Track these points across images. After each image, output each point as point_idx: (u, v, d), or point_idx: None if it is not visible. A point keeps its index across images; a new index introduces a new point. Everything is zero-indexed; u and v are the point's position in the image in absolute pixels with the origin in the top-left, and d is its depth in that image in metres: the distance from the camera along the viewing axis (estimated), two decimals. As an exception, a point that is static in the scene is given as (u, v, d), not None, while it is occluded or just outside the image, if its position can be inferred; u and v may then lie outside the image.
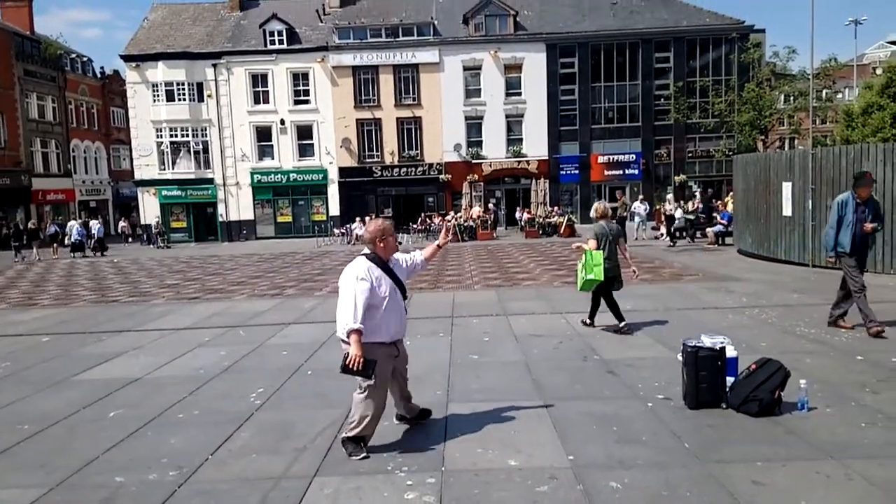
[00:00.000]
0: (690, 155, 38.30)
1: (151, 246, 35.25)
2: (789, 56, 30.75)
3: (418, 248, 5.62)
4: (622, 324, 8.83)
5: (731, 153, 31.01)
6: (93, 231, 32.18)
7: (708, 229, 22.38)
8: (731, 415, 5.40)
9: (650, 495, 4.09)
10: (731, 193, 21.55)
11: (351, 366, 4.61)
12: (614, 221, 9.64)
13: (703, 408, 5.53)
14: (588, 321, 9.25)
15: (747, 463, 4.49)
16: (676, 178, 37.94)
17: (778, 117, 33.15)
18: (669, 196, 24.36)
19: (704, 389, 5.55)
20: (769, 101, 31.13)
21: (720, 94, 33.66)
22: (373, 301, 4.72)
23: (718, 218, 22.51)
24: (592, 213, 9.57)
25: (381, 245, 4.91)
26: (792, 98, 32.51)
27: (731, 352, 5.71)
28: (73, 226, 32.10)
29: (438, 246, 5.46)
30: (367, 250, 4.96)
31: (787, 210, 15.11)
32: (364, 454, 4.89)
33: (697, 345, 5.63)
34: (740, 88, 32.79)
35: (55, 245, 30.46)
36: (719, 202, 27.08)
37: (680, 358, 5.81)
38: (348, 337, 4.64)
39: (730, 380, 5.61)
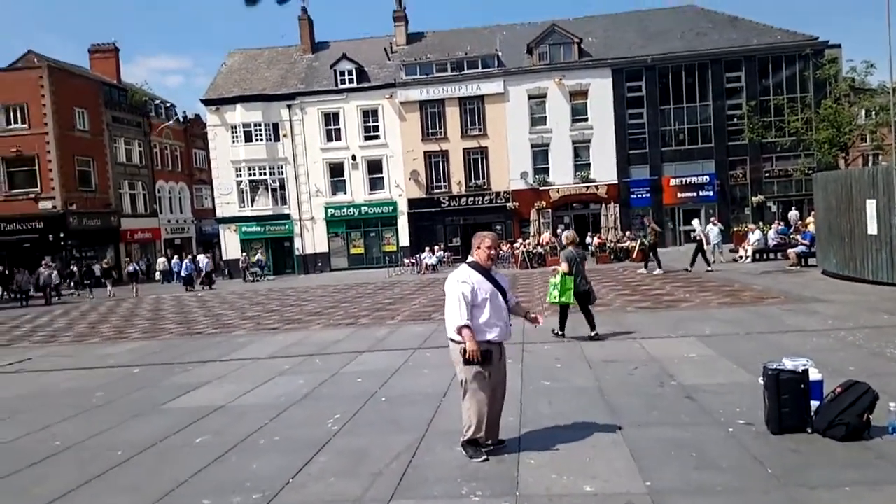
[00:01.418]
0: (767, 175, 37.10)
1: (245, 280, 36.12)
2: (867, 70, 29.50)
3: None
4: (594, 332, 10.33)
5: (810, 171, 29.90)
6: (201, 266, 33.51)
7: (790, 250, 21.56)
8: (816, 439, 5.20)
9: (731, 521, 3.99)
10: (813, 213, 20.72)
11: (472, 359, 5.08)
12: (581, 248, 11.48)
13: (786, 433, 5.35)
14: (560, 332, 10.62)
15: (833, 488, 4.32)
16: (754, 198, 36.80)
17: (859, 133, 31.77)
18: (695, 221, 23.10)
19: (787, 413, 5.37)
20: (848, 118, 29.88)
21: (796, 112, 32.57)
22: (474, 302, 5.16)
23: (799, 238, 21.67)
24: (563, 241, 10.97)
25: (478, 251, 5.38)
26: (874, 113, 31.13)
27: (814, 374, 5.51)
28: (171, 261, 33.85)
29: (526, 316, 5.75)
30: (469, 258, 5.47)
31: (872, 228, 14.45)
32: (484, 457, 5.26)
33: (779, 367, 5.47)
34: (817, 105, 31.65)
35: (134, 283, 31.07)
36: (799, 222, 26.11)
37: (761, 381, 5.63)
38: (459, 334, 5.10)
39: (814, 404, 5.41)
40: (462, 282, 5.19)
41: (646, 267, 21.97)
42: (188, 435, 6.74)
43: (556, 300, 10.14)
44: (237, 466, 5.64)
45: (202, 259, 34.57)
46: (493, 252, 5.39)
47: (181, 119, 51.98)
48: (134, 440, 6.63)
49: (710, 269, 20.84)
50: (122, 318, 20.33)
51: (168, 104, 51.82)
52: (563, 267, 10.10)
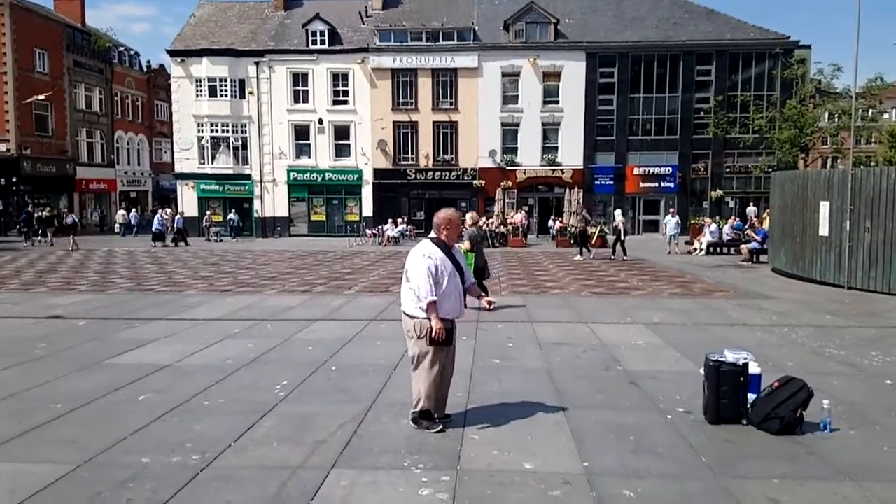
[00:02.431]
0: (728, 170, 37.75)
1: (208, 239, 35.13)
2: (834, 74, 30.16)
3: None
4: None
5: (770, 170, 30.55)
6: (169, 222, 32.55)
7: (743, 246, 22.08)
8: (751, 431, 5.37)
9: (663, 506, 4.11)
10: (768, 211, 21.22)
11: (437, 338, 5.14)
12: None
13: (723, 423, 5.50)
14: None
15: (764, 480, 4.47)
16: (713, 192, 37.46)
17: (820, 135, 32.51)
18: (617, 211, 24.41)
19: (725, 405, 5.52)
20: (811, 119, 30.54)
21: (761, 110, 33.12)
22: (436, 279, 5.19)
23: (753, 234, 22.20)
24: (468, 221, 11.93)
25: (445, 232, 5.39)
26: (836, 117, 31.86)
27: (754, 368, 5.66)
28: (130, 213, 32.41)
29: (479, 296, 5.97)
30: (432, 234, 5.42)
31: (823, 230, 14.85)
32: (440, 427, 5.35)
33: (720, 359, 5.61)
34: (782, 105, 32.27)
35: (72, 235, 28.46)
36: (755, 218, 26.70)
37: (702, 372, 5.78)
38: (427, 309, 5.13)
39: (752, 396, 5.57)
40: (428, 257, 5.22)
41: (589, 252, 23.09)
42: (131, 392, 6.64)
43: None
44: (179, 426, 5.58)
45: (168, 212, 33.89)
46: (459, 231, 5.50)
47: (145, 69, 50.49)
48: (75, 394, 6.51)
49: (626, 258, 21.79)
50: (71, 269, 19.84)
51: (132, 52, 50.23)
52: (466, 244, 11.15)
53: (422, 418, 5.41)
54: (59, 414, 5.91)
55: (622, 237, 22.30)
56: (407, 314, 5.32)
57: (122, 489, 4.37)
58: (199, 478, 4.54)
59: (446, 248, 5.35)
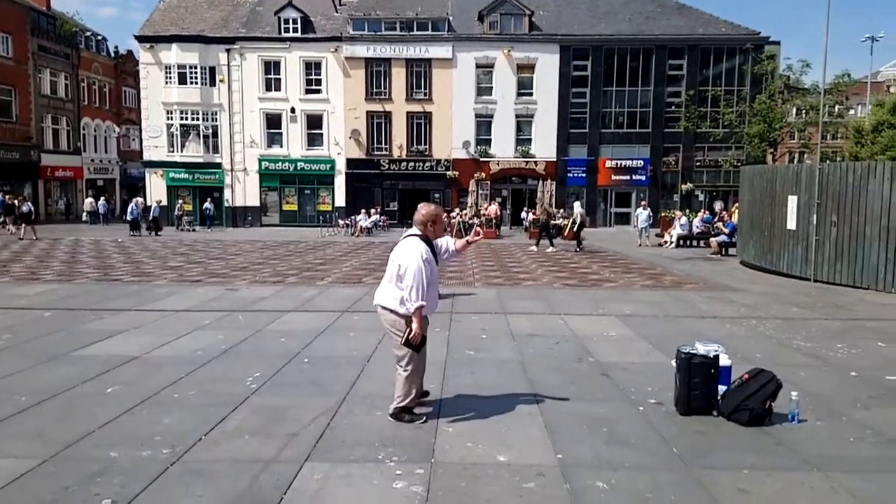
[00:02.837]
0: (699, 164, 38.22)
1: (179, 229, 34.57)
2: (803, 70, 30.68)
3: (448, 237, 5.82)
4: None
5: (739, 164, 30.96)
6: (141, 210, 32.06)
7: (712, 239, 22.40)
8: (721, 423, 5.44)
9: (635, 497, 4.14)
10: (737, 204, 21.54)
11: (413, 342, 5.12)
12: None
13: (694, 414, 5.57)
14: None
15: (734, 470, 4.54)
16: (683, 186, 37.90)
17: (788, 131, 33.05)
18: (577, 203, 24.86)
19: (696, 396, 5.58)
20: (780, 114, 31.03)
21: (731, 105, 33.57)
22: (428, 280, 5.15)
23: (722, 227, 22.52)
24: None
25: (432, 228, 5.32)
26: (804, 112, 32.40)
27: (724, 360, 5.74)
28: (98, 202, 31.95)
29: (468, 241, 5.73)
30: (417, 231, 5.31)
31: (791, 223, 15.11)
32: (424, 419, 5.40)
33: (691, 351, 5.66)
34: (752, 100, 32.71)
35: (25, 225, 26.97)
36: (724, 212, 27.08)
37: (674, 364, 5.84)
38: (413, 313, 5.06)
39: (722, 388, 5.65)
40: (426, 261, 5.12)
41: (537, 245, 23.45)
42: (99, 384, 6.50)
43: None
44: (149, 419, 5.48)
45: (140, 202, 33.47)
46: (444, 225, 5.48)
47: (113, 55, 49.42)
48: (40, 386, 6.36)
49: (578, 249, 22.30)
50: (36, 258, 19.40)
51: (100, 37, 49.09)
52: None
53: (404, 412, 5.40)
54: (23, 407, 5.77)
55: (576, 228, 22.85)
56: (391, 310, 5.23)
57: (90, 483, 4.28)
58: (170, 472, 4.47)
59: (431, 245, 5.31)
